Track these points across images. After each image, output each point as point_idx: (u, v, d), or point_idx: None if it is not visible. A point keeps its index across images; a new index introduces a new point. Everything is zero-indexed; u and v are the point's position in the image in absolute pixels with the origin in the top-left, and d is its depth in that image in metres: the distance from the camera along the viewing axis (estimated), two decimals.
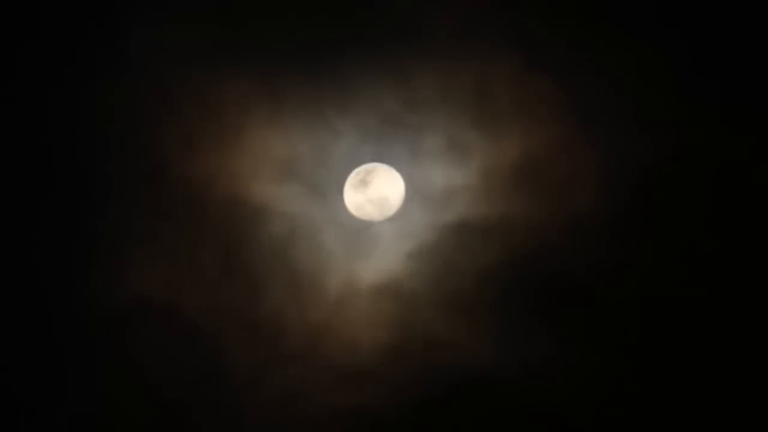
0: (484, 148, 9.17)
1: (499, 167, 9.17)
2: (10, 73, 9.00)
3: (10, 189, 9.00)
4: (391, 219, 9.28)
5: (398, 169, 9.22)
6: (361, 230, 9.30)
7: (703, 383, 9.12)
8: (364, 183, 9.19)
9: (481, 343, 9.11)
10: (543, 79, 9.13)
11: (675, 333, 9.18)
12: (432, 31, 9.15)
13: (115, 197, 9.02)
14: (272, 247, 9.14)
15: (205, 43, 9.03)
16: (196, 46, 9.02)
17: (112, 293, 8.99)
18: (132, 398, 9.00)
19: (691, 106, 9.19)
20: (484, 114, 9.16)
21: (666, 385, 9.15)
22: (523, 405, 9.07)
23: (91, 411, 8.98)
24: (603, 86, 9.19)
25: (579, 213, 9.15)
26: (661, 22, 9.23)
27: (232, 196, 9.08)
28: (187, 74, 9.03)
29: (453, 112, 9.16)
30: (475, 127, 9.16)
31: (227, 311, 9.07)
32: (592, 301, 9.15)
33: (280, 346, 9.12)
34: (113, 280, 8.99)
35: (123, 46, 9.04)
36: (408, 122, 9.15)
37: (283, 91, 9.07)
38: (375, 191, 9.21)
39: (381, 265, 9.24)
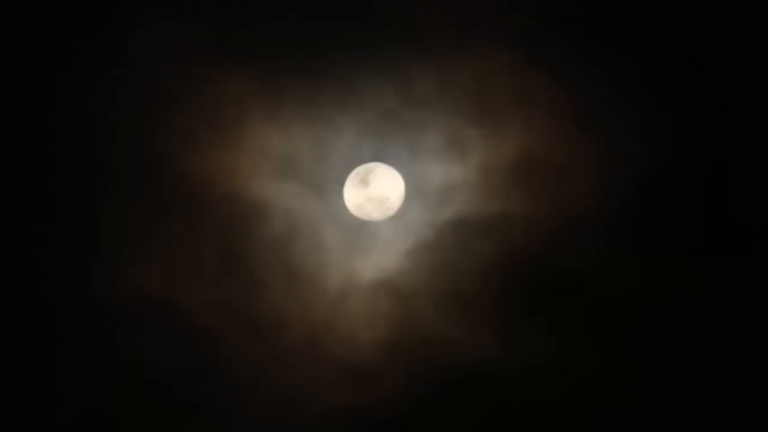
0: (483, 145, 9.16)
1: (498, 164, 9.17)
2: (9, 70, 9.00)
3: (10, 186, 9.01)
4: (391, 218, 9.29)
5: (397, 166, 9.22)
6: (360, 227, 9.31)
7: (703, 380, 9.12)
8: (364, 183, 9.19)
9: (481, 340, 9.12)
10: (542, 76, 9.12)
11: (675, 330, 9.17)
12: (431, 29, 9.13)
13: (115, 194, 9.03)
14: (271, 244, 9.15)
15: (204, 40, 9.03)
16: (196, 43, 9.02)
17: (111, 290, 9.00)
18: (130, 395, 9.02)
19: (690, 103, 9.18)
20: (483, 111, 9.16)
21: (666, 383, 9.15)
22: (522, 402, 9.07)
23: (89, 408, 9.00)
24: (602, 83, 9.18)
25: (578, 210, 9.15)
26: (661, 20, 9.21)
27: (232, 193, 9.08)
28: (186, 71, 9.04)
29: (452, 110, 9.15)
30: (474, 125, 9.15)
31: (226, 308, 9.09)
32: (592, 298, 9.15)
33: (279, 342, 9.13)
34: (112, 277, 9.00)
35: (122, 43, 9.04)
36: (407, 119, 9.15)
37: (283, 88, 9.07)
38: (375, 191, 9.20)
39: (380, 262, 9.25)
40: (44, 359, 9.01)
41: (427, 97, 9.15)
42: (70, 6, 9.04)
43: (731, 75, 9.24)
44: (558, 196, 9.17)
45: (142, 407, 9.03)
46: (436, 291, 9.19)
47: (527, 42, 9.14)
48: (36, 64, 9.02)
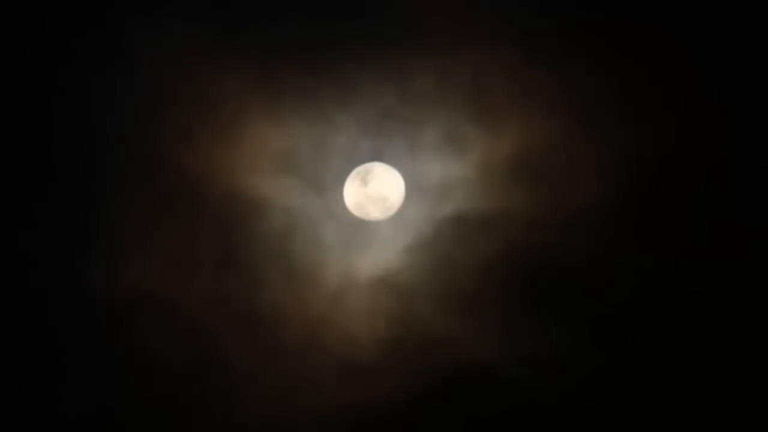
0: (482, 142, 9.16)
1: (497, 161, 9.17)
2: (9, 67, 9.02)
3: (9, 182, 9.03)
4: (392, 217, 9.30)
5: (396, 163, 9.23)
6: (359, 224, 9.31)
7: (703, 377, 9.10)
8: (364, 182, 9.19)
9: (480, 336, 9.11)
10: (541, 72, 9.12)
11: (675, 327, 9.16)
12: (430, 27, 9.15)
13: (114, 191, 9.05)
14: (271, 241, 9.16)
15: (204, 37, 9.05)
16: (195, 41, 9.04)
17: (110, 286, 9.01)
18: (129, 392, 9.02)
19: (690, 99, 9.17)
20: (482, 108, 9.16)
21: (666, 380, 9.12)
22: (521, 398, 9.06)
23: (87, 404, 9.00)
24: (601, 79, 9.18)
25: (577, 206, 9.15)
26: (660, 16, 9.21)
27: (231, 190, 9.09)
28: (186, 69, 9.05)
29: (451, 107, 9.16)
30: (473, 122, 9.16)
31: (225, 305, 9.09)
32: (591, 294, 9.14)
33: (279, 339, 9.13)
34: (111, 274, 9.01)
35: (122, 41, 9.06)
36: (406, 116, 9.16)
37: (282, 86, 9.08)
38: (375, 191, 9.21)
39: (379, 259, 9.25)
40: (42, 356, 9.01)
41: (426, 94, 9.16)
42: (70, 4, 9.07)
43: (730, 71, 9.24)
44: (557, 193, 9.17)
45: (141, 404, 9.03)
46: (435, 288, 9.18)
47: (526, 39, 9.15)
48: (35, 62, 9.04)
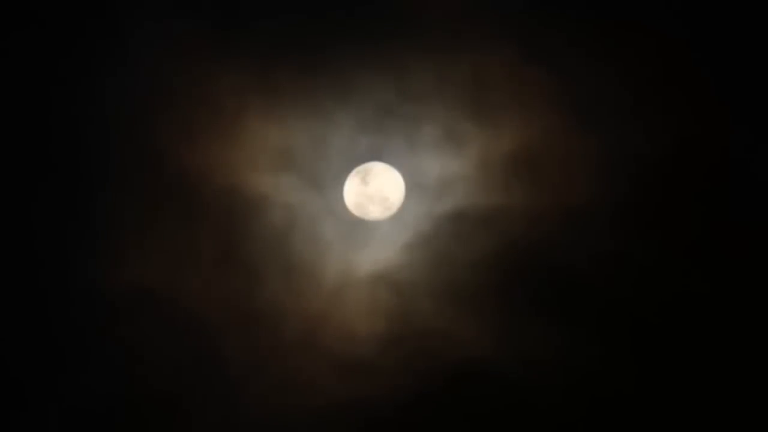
0: (482, 138, 9.17)
1: (496, 158, 9.17)
2: (9, 65, 9.05)
3: (9, 179, 9.04)
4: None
5: (395, 160, 9.23)
6: (358, 222, 9.32)
7: (704, 375, 9.08)
8: (364, 182, 9.20)
9: (479, 333, 9.10)
10: (540, 69, 9.13)
11: (674, 325, 9.14)
12: (429, 23, 9.15)
13: (113, 188, 9.06)
14: (269, 237, 9.16)
15: (202, 34, 9.07)
16: (194, 38, 9.06)
17: (109, 283, 9.02)
18: (128, 389, 9.03)
19: (689, 96, 9.17)
20: (481, 105, 9.17)
21: (665, 378, 9.11)
22: (520, 396, 9.05)
23: (87, 401, 9.01)
24: (600, 77, 9.18)
25: (576, 203, 9.14)
26: (659, 13, 9.21)
27: (230, 187, 9.10)
28: (185, 66, 9.07)
29: (450, 104, 9.16)
30: (472, 118, 9.16)
31: (224, 301, 9.10)
32: (591, 291, 9.13)
33: (278, 336, 9.13)
34: (110, 270, 9.02)
35: (121, 38, 9.08)
36: (405, 113, 9.16)
37: (281, 83, 9.09)
38: (375, 191, 9.22)
39: (378, 255, 9.25)
40: (41, 352, 9.02)
41: (425, 91, 9.17)
42: (70, 2, 9.09)
43: (730, 69, 9.23)
44: (556, 190, 9.16)
45: (140, 401, 9.03)
46: (434, 284, 9.18)
47: (525, 36, 9.15)
48: (36, 59, 9.06)
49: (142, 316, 9.05)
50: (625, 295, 9.13)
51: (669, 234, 9.18)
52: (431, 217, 9.24)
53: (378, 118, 9.18)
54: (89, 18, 9.09)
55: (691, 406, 9.06)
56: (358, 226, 9.30)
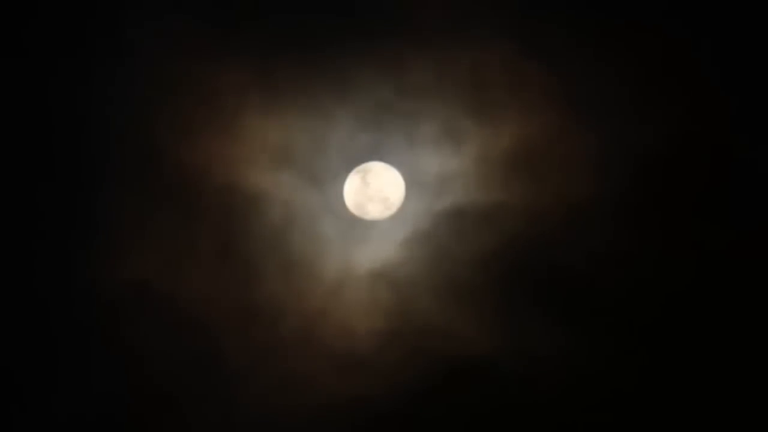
0: (481, 135, 9.17)
1: (495, 154, 9.17)
2: (9, 61, 9.07)
3: (8, 177, 9.06)
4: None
5: (394, 157, 9.24)
6: (357, 218, 9.32)
7: (703, 370, 9.07)
8: (364, 182, 9.21)
9: (478, 330, 9.09)
10: (538, 66, 9.12)
11: (673, 322, 9.13)
12: (428, 20, 9.16)
13: (112, 185, 9.08)
14: (269, 234, 9.17)
15: (202, 31, 9.09)
16: (194, 35, 9.07)
17: (109, 281, 9.03)
18: (127, 386, 9.03)
19: (689, 93, 9.16)
20: (480, 102, 9.17)
21: (667, 374, 9.09)
22: (519, 392, 9.04)
23: (86, 399, 9.01)
24: (600, 74, 9.18)
25: (576, 200, 9.13)
26: (658, 9, 9.20)
27: (229, 183, 9.11)
28: (184, 63, 9.09)
29: (449, 101, 9.17)
30: (472, 115, 9.16)
31: (223, 298, 9.10)
32: (589, 288, 9.12)
33: (276, 333, 9.13)
34: (109, 267, 9.03)
35: (121, 35, 9.10)
36: (404, 110, 9.17)
37: (280, 80, 9.11)
38: (376, 191, 9.22)
39: (377, 252, 9.25)
40: (40, 350, 9.03)
41: (424, 88, 9.17)
42: (70, 0, 9.13)
43: (731, 66, 9.22)
44: (555, 187, 9.16)
45: (139, 397, 9.03)
46: (433, 281, 9.18)
47: (524, 33, 9.16)
48: (36, 56, 9.09)
49: (140, 313, 9.06)
50: (625, 291, 9.12)
51: (669, 231, 9.16)
52: (430, 215, 9.24)
53: (377, 116, 9.19)
54: (89, 16, 9.11)
55: (692, 402, 9.04)
56: (358, 224, 9.31)
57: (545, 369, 9.07)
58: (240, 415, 9.07)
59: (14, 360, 9.01)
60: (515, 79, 9.15)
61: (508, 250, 9.16)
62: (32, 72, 9.10)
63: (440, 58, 9.13)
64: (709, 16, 9.21)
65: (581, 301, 9.13)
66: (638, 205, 9.17)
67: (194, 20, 9.09)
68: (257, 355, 9.11)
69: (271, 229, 9.17)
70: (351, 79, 9.12)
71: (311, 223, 9.21)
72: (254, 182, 9.13)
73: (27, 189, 9.06)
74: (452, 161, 9.19)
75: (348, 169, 9.24)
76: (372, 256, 9.24)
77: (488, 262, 9.17)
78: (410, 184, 9.25)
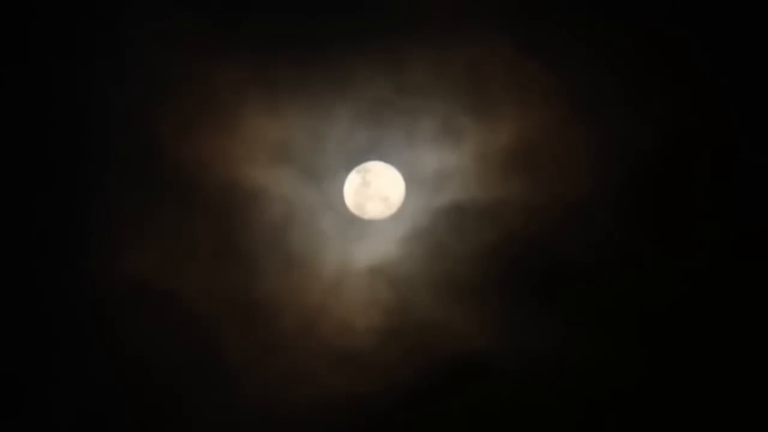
0: (480, 132, 9.18)
1: (494, 151, 9.18)
2: (8, 58, 9.09)
3: (7, 173, 9.08)
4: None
5: (393, 153, 9.25)
6: (356, 217, 9.33)
7: (703, 366, 9.06)
8: (364, 182, 9.22)
9: (477, 326, 9.09)
10: (537, 63, 9.14)
11: (672, 319, 9.13)
12: (426, 17, 9.18)
13: (112, 181, 9.09)
14: (268, 231, 9.17)
15: (201, 28, 9.10)
16: (193, 31, 9.09)
17: (107, 276, 9.03)
18: (126, 381, 9.02)
19: (688, 88, 9.18)
20: (478, 98, 9.18)
21: (667, 370, 9.09)
22: (517, 388, 9.03)
23: (85, 395, 9.00)
24: (598, 70, 9.19)
25: (575, 197, 9.14)
26: (657, 6, 9.23)
27: (228, 179, 9.12)
28: (184, 60, 9.10)
29: (448, 97, 9.18)
30: (471, 112, 9.18)
31: (223, 294, 9.10)
32: (588, 284, 9.12)
33: (275, 329, 9.13)
34: (108, 264, 9.04)
35: (120, 31, 9.12)
36: (402, 107, 9.18)
37: (279, 76, 9.12)
38: (376, 191, 9.23)
39: (376, 248, 9.26)
40: (39, 346, 9.02)
41: (423, 85, 9.19)
42: None
43: (730, 62, 9.24)
44: (554, 183, 9.17)
45: (138, 394, 9.02)
46: (432, 278, 9.18)
47: (523, 30, 9.17)
48: (35, 52, 9.10)
49: (140, 309, 9.06)
50: (624, 287, 9.12)
51: (668, 227, 9.17)
52: (430, 211, 9.25)
53: (376, 112, 9.20)
54: (88, 13, 9.13)
55: (692, 399, 9.03)
56: (357, 221, 9.32)
57: (544, 365, 9.06)
58: (239, 410, 9.06)
59: (13, 357, 9.00)
60: (514, 77, 9.17)
61: (507, 247, 9.17)
62: (31, 70, 9.11)
63: (439, 55, 9.15)
64: (709, 13, 9.23)
65: (580, 297, 9.13)
66: (637, 202, 9.18)
67: (194, 18, 9.11)
68: (256, 351, 9.10)
69: (270, 226, 9.18)
70: (350, 76, 9.14)
71: (310, 220, 9.22)
72: (254, 179, 9.14)
73: (26, 186, 9.07)
74: (451, 158, 9.20)
75: (347, 166, 9.25)
76: (371, 252, 9.25)
77: (487, 258, 9.17)
78: (409, 181, 9.27)
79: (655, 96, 9.18)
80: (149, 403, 9.03)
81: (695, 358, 9.09)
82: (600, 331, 9.10)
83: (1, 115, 9.07)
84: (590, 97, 9.19)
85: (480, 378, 9.05)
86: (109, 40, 9.11)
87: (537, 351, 9.08)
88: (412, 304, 9.18)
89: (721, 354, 9.08)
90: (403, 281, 9.20)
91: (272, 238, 9.17)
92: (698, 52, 9.21)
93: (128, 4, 9.11)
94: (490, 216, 9.17)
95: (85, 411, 9.02)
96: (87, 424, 9.00)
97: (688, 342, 9.10)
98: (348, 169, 9.26)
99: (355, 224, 9.30)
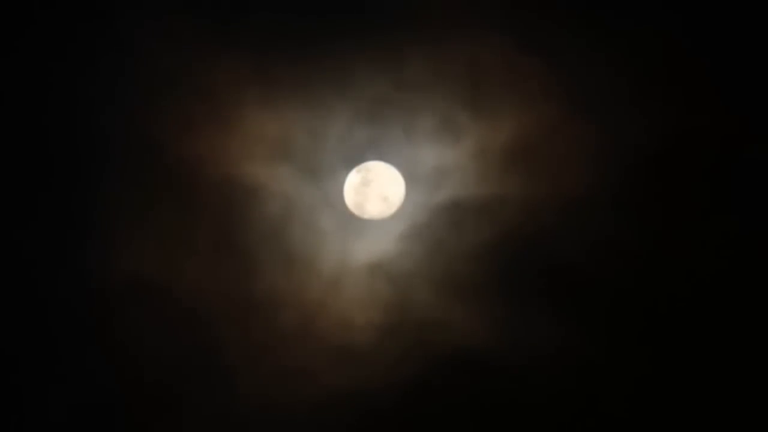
0: (479, 129, 9.18)
1: (493, 148, 9.18)
2: (9, 57, 9.11)
3: (6, 169, 9.09)
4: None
5: (392, 150, 9.25)
6: (355, 214, 9.34)
7: (703, 363, 9.05)
8: (364, 182, 9.22)
9: (476, 323, 9.09)
10: (536, 60, 9.14)
11: (671, 315, 9.12)
12: (426, 14, 9.19)
13: (110, 178, 9.09)
14: (266, 227, 9.18)
15: (200, 25, 9.12)
16: (192, 29, 9.11)
17: (106, 273, 9.03)
18: (124, 379, 9.02)
19: (687, 85, 9.17)
20: (477, 95, 9.18)
21: (667, 368, 9.08)
22: (516, 385, 9.02)
23: (82, 391, 9.00)
24: (598, 67, 9.19)
25: (574, 193, 9.14)
26: (657, 3, 9.23)
27: (227, 176, 9.13)
28: (182, 57, 9.11)
29: (447, 94, 9.18)
30: (470, 109, 9.18)
31: (221, 291, 9.11)
32: (588, 281, 9.11)
33: (274, 326, 9.13)
34: (107, 260, 9.04)
35: (118, 28, 9.13)
36: (401, 104, 9.18)
37: (278, 73, 9.12)
38: (376, 191, 9.23)
39: (375, 245, 9.25)
40: (37, 343, 9.02)
41: (422, 82, 9.19)
42: None
43: (729, 58, 9.23)
44: (553, 180, 9.17)
45: (136, 391, 9.02)
46: (430, 274, 9.18)
47: (522, 26, 9.17)
48: (33, 50, 9.11)
49: (138, 306, 9.06)
50: (623, 285, 9.11)
51: (667, 224, 9.16)
52: (428, 208, 9.25)
53: (375, 110, 9.20)
54: (87, 10, 9.15)
55: (692, 396, 9.02)
56: (356, 218, 9.32)
57: (544, 362, 9.06)
58: (238, 407, 9.06)
59: (11, 353, 9.00)
60: (513, 74, 9.17)
61: (506, 244, 9.16)
62: (30, 67, 9.11)
63: (438, 52, 9.15)
64: (709, 10, 9.23)
65: (579, 294, 9.13)
66: (636, 198, 9.18)
67: (192, 14, 9.12)
68: (255, 348, 9.10)
69: (269, 223, 9.18)
70: (350, 74, 9.14)
71: (310, 217, 9.22)
72: (252, 175, 9.14)
73: (25, 182, 9.08)
74: (451, 155, 9.21)
75: (346, 164, 9.26)
76: (370, 249, 9.25)
77: (486, 255, 9.17)
78: (408, 178, 9.27)
79: (655, 93, 9.18)
80: (147, 399, 9.03)
81: (695, 356, 9.08)
82: (599, 328, 9.09)
83: (0, 112, 9.10)
84: (590, 94, 9.18)
85: (479, 375, 9.05)
86: (108, 37, 9.12)
87: (536, 348, 9.07)
88: (411, 301, 9.18)
89: (722, 351, 9.07)
90: (402, 278, 9.20)
91: (271, 234, 9.17)
92: (698, 49, 9.20)
93: (127, 2, 9.13)
94: (490, 213, 9.17)
95: (84, 407, 9.01)
96: (85, 420, 9.00)
97: (688, 339, 9.10)
98: (347, 167, 9.27)
99: (354, 222, 9.30)
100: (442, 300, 9.15)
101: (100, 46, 9.12)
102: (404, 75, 9.16)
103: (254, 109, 9.14)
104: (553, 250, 9.15)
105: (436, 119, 9.18)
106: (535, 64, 9.14)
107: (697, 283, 9.09)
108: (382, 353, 9.08)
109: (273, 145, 9.18)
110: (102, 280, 9.03)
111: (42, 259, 9.04)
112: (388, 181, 9.24)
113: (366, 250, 9.24)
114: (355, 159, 9.28)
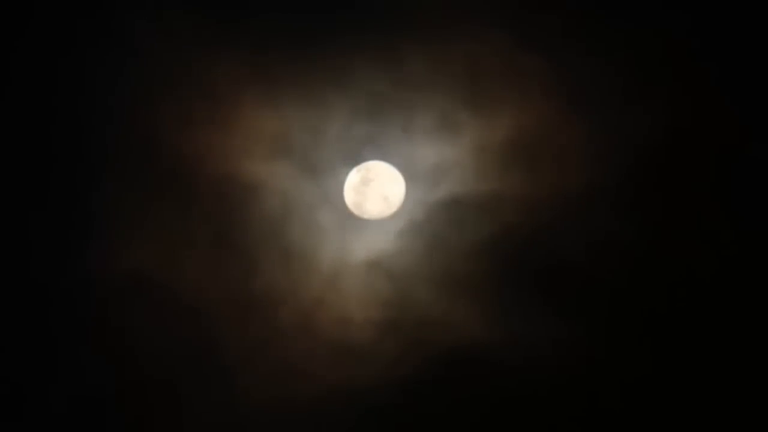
0: (477, 126, 9.19)
1: (491, 145, 9.19)
2: (9, 54, 9.15)
3: (6, 167, 9.11)
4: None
5: (391, 147, 9.26)
6: (354, 213, 9.35)
7: (703, 361, 9.02)
8: (364, 183, 9.23)
9: (475, 320, 9.08)
10: (534, 57, 9.15)
11: (671, 312, 9.10)
12: (423, 11, 9.21)
13: (109, 175, 9.11)
14: (265, 224, 9.19)
15: (199, 23, 9.15)
16: (191, 27, 9.14)
17: (106, 270, 9.05)
18: (123, 375, 9.03)
19: (686, 82, 9.17)
20: (475, 92, 9.19)
21: (666, 365, 9.06)
22: (515, 382, 9.02)
23: (82, 388, 9.01)
24: (596, 64, 9.19)
25: (573, 190, 9.14)
26: (656, 2, 9.24)
27: (226, 173, 9.15)
28: (182, 54, 9.14)
29: (446, 91, 9.20)
30: (468, 106, 9.19)
31: (221, 288, 9.11)
32: (587, 278, 9.11)
33: (273, 323, 9.13)
34: (106, 257, 9.06)
35: (118, 25, 9.16)
36: (399, 101, 9.20)
37: (276, 70, 9.15)
38: (376, 191, 9.25)
39: (374, 242, 9.26)
40: (37, 339, 9.04)
41: (420, 79, 9.20)
42: None
43: (729, 55, 9.23)
44: (552, 177, 9.17)
45: (136, 387, 9.03)
46: (430, 271, 9.18)
47: (520, 24, 9.19)
48: (33, 47, 9.15)
49: (138, 303, 9.07)
50: (622, 281, 9.10)
51: (667, 221, 9.15)
52: (427, 205, 9.26)
53: (374, 107, 9.22)
54: (86, 7, 9.19)
55: (693, 393, 9.00)
56: (354, 213, 9.33)
57: (543, 359, 9.05)
58: (237, 404, 9.06)
59: (11, 350, 9.02)
60: (511, 70, 9.18)
61: (505, 241, 9.16)
62: (29, 66, 9.15)
63: (436, 49, 9.17)
64: (709, 10, 9.23)
65: (579, 291, 9.12)
66: (636, 195, 9.17)
67: (192, 13, 9.15)
68: (254, 344, 9.11)
69: (268, 220, 9.19)
70: (348, 70, 9.16)
71: (308, 214, 9.23)
72: (251, 172, 9.16)
73: (24, 179, 9.10)
74: (450, 152, 9.21)
75: (345, 161, 9.27)
76: (369, 246, 9.26)
77: (486, 252, 9.17)
78: (407, 175, 9.28)
79: (654, 89, 9.18)
80: (146, 396, 9.03)
81: (694, 354, 9.06)
82: (598, 325, 9.08)
83: (1, 110, 9.12)
84: (589, 90, 9.19)
85: (478, 372, 9.04)
86: (108, 34, 9.15)
87: (536, 344, 9.06)
88: (410, 298, 9.18)
89: (722, 348, 9.05)
90: (401, 275, 9.20)
91: (270, 231, 9.18)
92: (698, 45, 9.20)
93: (127, 1, 9.16)
94: (489, 210, 9.17)
95: (83, 403, 9.02)
96: (85, 416, 9.00)
97: (686, 337, 9.08)
98: (346, 164, 9.28)
99: (352, 216, 9.31)
100: (441, 297, 9.15)
101: (100, 44, 9.16)
102: (403, 73, 9.17)
103: (254, 107, 9.16)
104: (553, 248, 9.15)
105: (435, 117, 9.19)
106: (535, 62, 9.16)
107: (696, 282, 9.08)
108: (381, 350, 9.08)
109: (272, 142, 9.20)
110: (102, 278, 9.04)
111: (42, 256, 9.06)
112: (388, 181, 9.25)
113: (365, 248, 9.24)
114: (354, 157, 9.29)
